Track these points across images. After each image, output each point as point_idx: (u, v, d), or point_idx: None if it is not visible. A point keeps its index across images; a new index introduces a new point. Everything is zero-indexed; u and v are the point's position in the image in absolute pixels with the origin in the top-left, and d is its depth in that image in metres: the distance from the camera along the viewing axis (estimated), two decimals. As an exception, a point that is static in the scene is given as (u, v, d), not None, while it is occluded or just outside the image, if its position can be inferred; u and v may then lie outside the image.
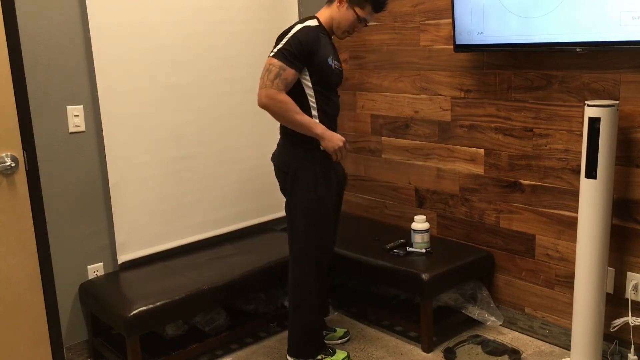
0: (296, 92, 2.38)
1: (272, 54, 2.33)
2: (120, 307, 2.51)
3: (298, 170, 2.46)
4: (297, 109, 2.34)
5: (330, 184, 2.51)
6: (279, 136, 2.56)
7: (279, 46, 2.34)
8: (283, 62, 2.30)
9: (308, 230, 2.50)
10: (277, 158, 2.55)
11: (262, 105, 2.32)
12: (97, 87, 2.70)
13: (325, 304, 3.02)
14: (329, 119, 2.48)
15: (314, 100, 2.42)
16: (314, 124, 2.38)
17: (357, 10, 2.42)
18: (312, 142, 2.42)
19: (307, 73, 2.38)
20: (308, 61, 2.36)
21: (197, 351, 2.73)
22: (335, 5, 2.44)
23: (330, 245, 2.67)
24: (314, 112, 2.43)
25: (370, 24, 2.73)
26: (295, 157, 2.46)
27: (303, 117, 2.36)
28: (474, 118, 2.95)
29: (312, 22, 2.42)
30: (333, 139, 2.39)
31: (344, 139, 2.43)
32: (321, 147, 2.41)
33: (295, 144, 2.46)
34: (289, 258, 2.61)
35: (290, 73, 2.32)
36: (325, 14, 2.47)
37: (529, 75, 2.70)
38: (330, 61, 2.41)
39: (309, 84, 2.40)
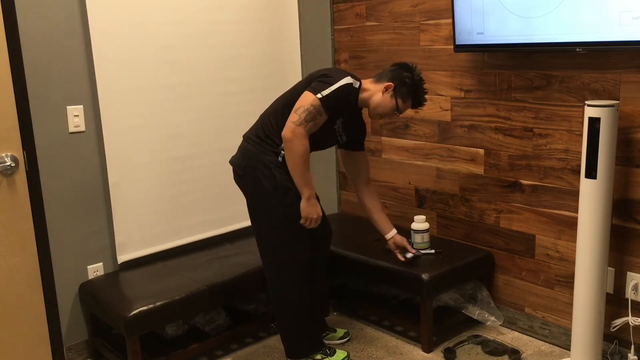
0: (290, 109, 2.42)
1: (320, 96, 2.32)
2: (120, 307, 2.51)
3: (251, 173, 2.46)
4: (307, 160, 2.38)
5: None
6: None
7: (327, 91, 2.32)
8: (323, 109, 2.33)
9: (270, 234, 2.51)
10: (233, 160, 2.56)
11: (287, 139, 2.34)
12: (97, 87, 2.70)
13: (325, 304, 3.02)
14: (316, 147, 2.53)
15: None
16: (309, 185, 2.42)
17: (399, 102, 2.48)
18: (270, 145, 2.43)
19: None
20: (333, 113, 2.41)
21: (197, 351, 2.73)
22: (381, 88, 2.47)
23: (316, 244, 2.64)
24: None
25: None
26: (250, 159, 2.46)
27: (307, 173, 2.41)
28: (474, 118, 2.95)
29: (356, 84, 2.43)
30: (313, 209, 2.44)
31: (320, 214, 2.48)
32: (301, 205, 2.43)
33: (252, 146, 2.47)
34: (263, 266, 2.62)
35: (322, 120, 2.37)
36: (369, 88, 2.49)
37: (529, 75, 2.71)
38: (338, 122, 2.49)
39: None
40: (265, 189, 2.44)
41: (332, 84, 2.35)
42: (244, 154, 2.51)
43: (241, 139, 2.57)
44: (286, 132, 2.33)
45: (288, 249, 2.51)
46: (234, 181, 2.60)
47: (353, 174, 2.77)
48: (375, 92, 2.49)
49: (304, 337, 2.65)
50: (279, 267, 2.54)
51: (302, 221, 2.45)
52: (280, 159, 2.43)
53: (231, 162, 2.58)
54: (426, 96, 2.54)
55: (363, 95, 2.49)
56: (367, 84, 2.52)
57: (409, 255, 2.85)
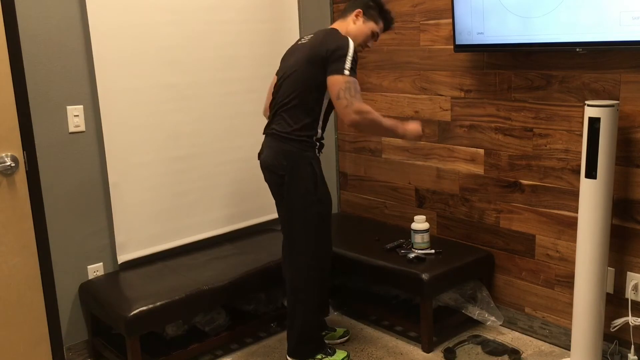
0: (315, 93, 2.41)
1: (346, 71, 2.30)
2: (120, 307, 2.51)
3: (294, 172, 2.44)
4: (379, 114, 2.39)
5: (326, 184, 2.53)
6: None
7: (348, 64, 2.31)
8: (355, 77, 2.34)
9: (309, 233, 2.51)
10: (269, 160, 2.50)
11: (353, 122, 2.33)
12: (97, 87, 2.70)
13: (325, 304, 3.02)
14: (324, 123, 2.52)
15: (323, 106, 2.46)
16: (398, 126, 2.47)
17: (372, 25, 2.51)
18: (306, 141, 2.42)
19: None
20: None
21: (197, 351, 2.73)
22: (350, 19, 2.50)
23: (331, 246, 2.67)
24: (319, 115, 2.46)
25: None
26: (291, 159, 2.44)
27: (389, 121, 2.44)
28: (474, 118, 2.95)
29: (349, 38, 2.42)
30: (415, 131, 2.49)
31: (418, 125, 2.51)
32: (407, 133, 2.48)
33: (289, 144, 2.44)
34: (286, 259, 2.60)
35: (358, 85, 2.36)
36: (342, 28, 2.50)
37: (529, 75, 2.71)
38: None
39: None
40: (306, 186, 2.43)
41: (344, 55, 2.32)
42: (282, 154, 2.45)
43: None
44: (348, 117, 2.32)
45: (318, 248, 2.53)
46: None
47: None
48: (347, 26, 2.50)
49: (313, 338, 2.65)
50: (308, 268, 2.54)
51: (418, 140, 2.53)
52: (317, 150, 2.46)
53: (266, 163, 2.51)
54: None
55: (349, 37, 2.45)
56: (339, 25, 2.52)
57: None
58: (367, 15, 2.50)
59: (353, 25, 2.50)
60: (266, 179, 2.57)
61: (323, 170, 2.89)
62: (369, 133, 2.39)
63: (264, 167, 2.55)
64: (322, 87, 2.39)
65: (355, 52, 2.35)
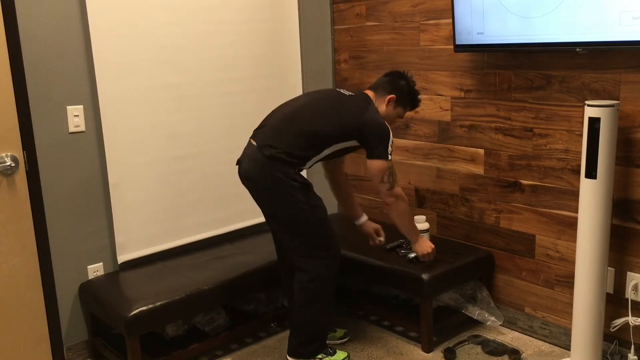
0: (330, 141, 2.51)
1: (389, 157, 2.50)
2: (120, 307, 2.51)
3: (282, 189, 2.44)
4: (409, 207, 2.67)
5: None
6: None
7: (390, 148, 2.50)
8: (391, 161, 2.53)
9: (320, 237, 2.54)
10: (252, 173, 2.49)
11: (392, 204, 2.58)
12: (97, 87, 2.70)
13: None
14: (316, 162, 2.59)
15: (324, 153, 2.54)
16: (416, 229, 2.77)
17: (401, 110, 2.68)
18: (293, 166, 2.43)
19: (356, 145, 2.58)
20: None
21: (197, 351, 2.73)
22: (383, 101, 2.62)
23: (337, 243, 2.66)
24: (320, 154, 2.53)
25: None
26: (277, 178, 2.42)
27: (413, 222, 2.77)
28: (474, 118, 2.95)
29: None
30: (425, 245, 2.76)
31: (433, 246, 2.77)
32: (412, 248, 2.79)
33: (276, 163, 2.42)
34: (297, 261, 2.58)
35: (394, 168, 2.58)
36: (377, 105, 2.61)
37: (529, 75, 2.71)
38: None
39: (344, 149, 2.59)
40: (296, 199, 2.44)
41: (387, 140, 2.50)
42: (265, 167, 2.44)
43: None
44: (388, 199, 2.57)
45: (323, 249, 2.54)
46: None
47: (335, 163, 2.86)
48: (381, 106, 2.63)
49: (319, 338, 2.65)
50: (317, 270, 2.54)
51: (421, 258, 2.77)
52: (301, 171, 2.49)
53: (250, 176, 2.50)
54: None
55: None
56: (374, 97, 2.63)
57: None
58: (399, 101, 2.64)
59: (384, 108, 2.62)
60: (247, 187, 2.56)
61: (324, 171, 2.89)
62: (394, 216, 2.64)
63: (246, 178, 2.53)
64: (339, 140, 2.52)
65: (392, 137, 2.53)
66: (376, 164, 2.51)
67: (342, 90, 2.67)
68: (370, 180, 3.53)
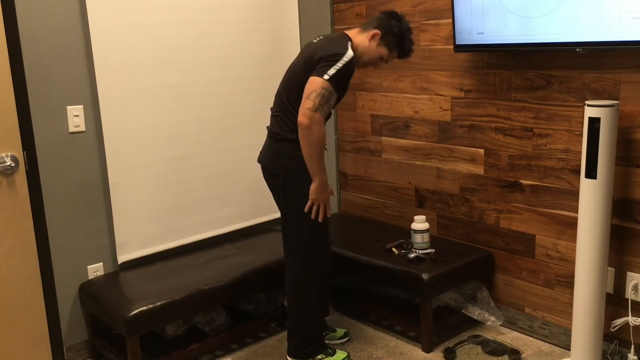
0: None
1: (327, 77, 2.28)
2: (120, 307, 2.51)
3: (289, 171, 2.45)
4: (323, 144, 2.37)
5: None
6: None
7: (333, 70, 2.28)
8: (334, 89, 2.30)
9: (306, 232, 2.51)
10: (265, 160, 2.53)
11: (304, 126, 2.29)
12: (97, 87, 2.70)
13: (326, 304, 3.02)
14: None
15: None
16: (323, 171, 2.41)
17: (383, 50, 2.47)
18: (297, 142, 2.39)
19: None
20: (340, 89, 2.38)
21: (197, 351, 2.73)
22: (367, 36, 2.44)
23: (329, 243, 2.67)
24: None
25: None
26: (284, 158, 2.45)
27: (322, 159, 2.39)
28: (474, 118, 2.95)
29: (351, 51, 2.37)
30: (324, 193, 2.43)
31: (331, 195, 2.48)
32: (311, 189, 2.42)
33: (281, 144, 2.45)
34: (285, 258, 2.61)
35: (334, 100, 2.34)
36: (356, 40, 2.45)
37: (529, 75, 2.71)
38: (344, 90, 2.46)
39: None
40: (301, 185, 2.43)
41: (334, 61, 2.29)
42: (276, 153, 2.48)
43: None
44: (302, 118, 2.28)
45: (316, 247, 2.54)
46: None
47: None
48: (362, 41, 2.45)
49: (314, 339, 2.65)
50: (306, 266, 2.55)
51: (307, 207, 2.42)
52: None
53: (262, 162, 2.55)
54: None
55: (355, 47, 2.42)
56: (355, 35, 2.47)
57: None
58: (384, 39, 2.45)
59: (365, 43, 2.44)
60: (265, 179, 2.59)
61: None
62: (303, 143, 2.35)
63: (262, 167, 2.57)
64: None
65: (347, 66, 2.31)
66: (311, 80, 2.29)
67: (315, 39, 2.52)
68: (370, 180, 3.54)
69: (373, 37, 2.44)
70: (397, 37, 2.45)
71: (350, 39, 2.43)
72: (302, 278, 2.56)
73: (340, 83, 2.33)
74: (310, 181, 2.42)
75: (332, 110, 2.52)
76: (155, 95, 2.89)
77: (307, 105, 2.28)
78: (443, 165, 3.14)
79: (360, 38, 2.46)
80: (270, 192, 2.60)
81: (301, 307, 2.59)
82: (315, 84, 2.29)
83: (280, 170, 2.47)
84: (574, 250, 2.52)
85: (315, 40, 2.52)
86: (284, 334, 2.92)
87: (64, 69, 2.61)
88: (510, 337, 2.89)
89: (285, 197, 2.50)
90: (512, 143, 2.81)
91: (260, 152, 2.59)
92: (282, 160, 2.46)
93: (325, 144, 2.40)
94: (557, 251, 2.74)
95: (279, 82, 2.64)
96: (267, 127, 2.57)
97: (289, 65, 2.56)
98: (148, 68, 2.84)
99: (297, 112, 2.34)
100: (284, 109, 2.47)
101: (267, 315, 3.00)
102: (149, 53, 2.83)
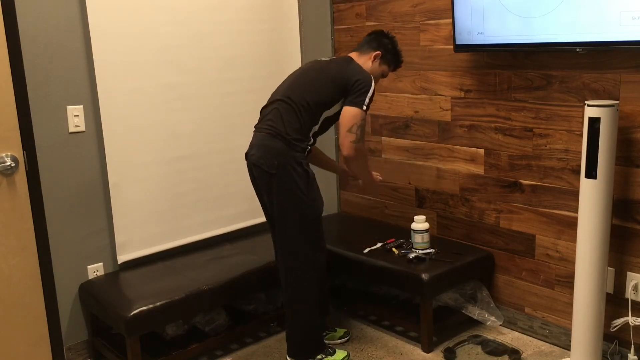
0: (322, 107, 2.56)
1: (365, 107, 2.47)
2: (120, 307, 2.51)
3: (285, 171, 2.45)
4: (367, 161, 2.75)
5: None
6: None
7: (367, 100, 2.47)
8: (366, 115, 2.51)
9: (301, 232, 2.52)
10: (258, 158, 2.49)
11: (352, 158, 2.51)
12: (97, 87, 2.70)
13: (326, 304, 3.02)
14: (316, 133, 2.68)
15: (320, 119, 2.62)
16: (371, 173, 2.81)
17: (385, 68, 2.70)
18: (296, 144, 2.46)
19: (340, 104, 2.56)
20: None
21: (197, 351, 2.73)
22: (369, 58, 2.64)
23: (325, 244, 2.67)
24: (315, 124, 2.59)
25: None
26: (283, 158, 2.45)
27: (369, 167, 2.78)
28: (474, 118, 2.95)
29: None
30: (374, 183, 2.81)
31: (378, 179, 2.87)
32: (361, 185, 2.79)
33: (280, 143, 2.45)
34: (279, 259, 2.61)
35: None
36: (361, 63, 2.62)
37: (529, 75, 2.71)
38: None
39: (331, 110, 2.62)
40: (297, 186, 2.45)
41: (367, 91, 2.47)
42: (272, 152, 2.47)
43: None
44: (350, 152, 2.48)
45: (312, 247, 2.55)
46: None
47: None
48: (365, 63, 2.63)
49: (313, 339, 2.65)
50: (303, 267, 2.55)
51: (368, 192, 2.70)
52: (305, 153, 2.51)
53: (255, 160, 2.51)
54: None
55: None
56: (357, 58, 2.65)
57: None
58: (385, 59, 2.66)
59: (369, 65, 2.63)
60: (253, 177, 2.57)
61: (324, 170, 2.89)
62: (352, 167, 2.64)
63: (253, 165, 2.54)
64: (330, 105, 2.56)
65: (373, 92, 2.51)
66: (350, 111, 2.46)
67: (321, 59, 2.71)
68: (370, 180, 3.53)
69: (375, 58, 2.64)
70: (392, 54, 2.69)
71: (360, 65, 2.60)
72: (300, 280, 2.56)
73: (369, 108, 2.54)
74: (305, 179, 2.47)
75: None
76: (155, 95, 2.89)
77: (350, 138, 2.46)
78: (443, 165, 3.14)
79: (363, 60, 2.64)
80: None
81: (300, 307, 2.59)
82: (355, 117, 2.45)
83: (276, 169, 2.46)
84: (574, 250, 2.52)
85: (326, 59, 2.68)
86: (284, 334, 2.91)
87: (64, 69, 2.61)
88: (510, 337, 2.89)
89: (281, 197, 2.49)
90: (512, 143, 2.82)
91: (250, 150, 2.56)
92: (279, 159, 2.45)
93: (366, 162, 2.74)
94: (557, 251, 2.74)
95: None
96: (256, 125, 2.58)
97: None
98: (148, 68, 2.84)
99: (306, 115, 2.49)
100: (291, 109, 2.49)
101: (267, 315, 3.00)
102: (149, 53, 2.83)
